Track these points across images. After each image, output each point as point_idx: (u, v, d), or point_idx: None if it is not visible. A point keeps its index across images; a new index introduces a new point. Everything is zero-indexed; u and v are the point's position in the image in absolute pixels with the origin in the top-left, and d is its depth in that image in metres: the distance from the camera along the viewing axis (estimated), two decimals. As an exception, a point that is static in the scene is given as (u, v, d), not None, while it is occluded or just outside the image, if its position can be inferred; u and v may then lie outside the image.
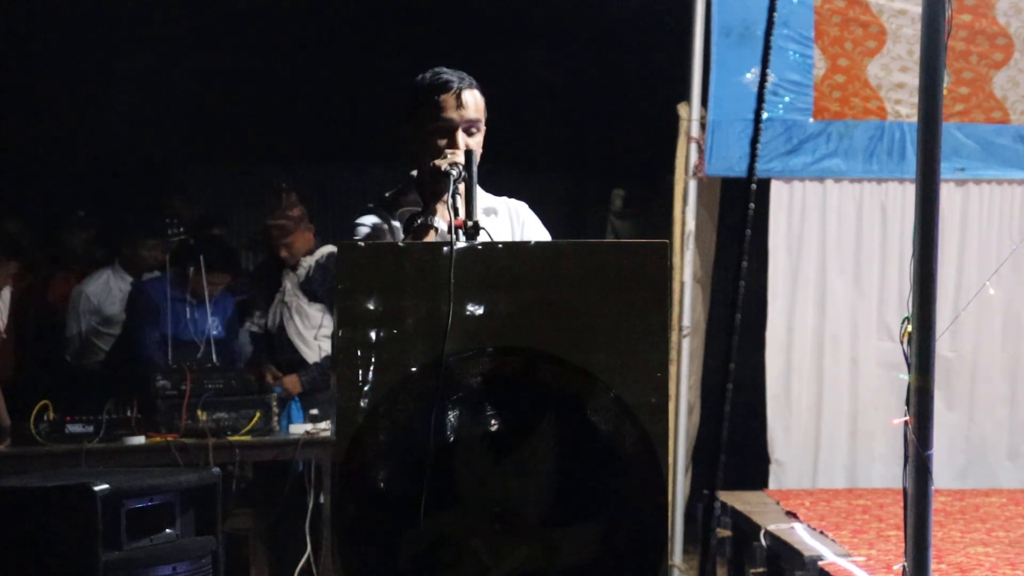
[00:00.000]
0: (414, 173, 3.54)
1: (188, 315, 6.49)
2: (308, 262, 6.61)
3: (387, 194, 3.57)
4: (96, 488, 4.38)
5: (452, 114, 3.40)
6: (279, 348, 6.69)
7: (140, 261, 7.06)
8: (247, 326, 6.93)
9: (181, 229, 7.14)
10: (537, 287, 2.96)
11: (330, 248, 6.55)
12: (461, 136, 3.40)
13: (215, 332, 6.52)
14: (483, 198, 3.44)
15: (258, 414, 5.93)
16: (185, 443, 5.78)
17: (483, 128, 3.47)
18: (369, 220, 3.46)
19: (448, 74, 3.43)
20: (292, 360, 6.58)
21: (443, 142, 3.38)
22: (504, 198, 3.57)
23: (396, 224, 3.45)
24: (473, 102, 3.43)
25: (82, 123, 9.11)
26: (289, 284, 6.64)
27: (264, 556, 6.40)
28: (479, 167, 3.31)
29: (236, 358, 6.59)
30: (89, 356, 6.98)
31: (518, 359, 2.94)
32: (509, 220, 3.51)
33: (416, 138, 3.45)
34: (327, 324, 6.52)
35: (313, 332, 6.60)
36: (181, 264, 6.58)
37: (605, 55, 9.09)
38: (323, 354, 6.55)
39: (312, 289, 6.57)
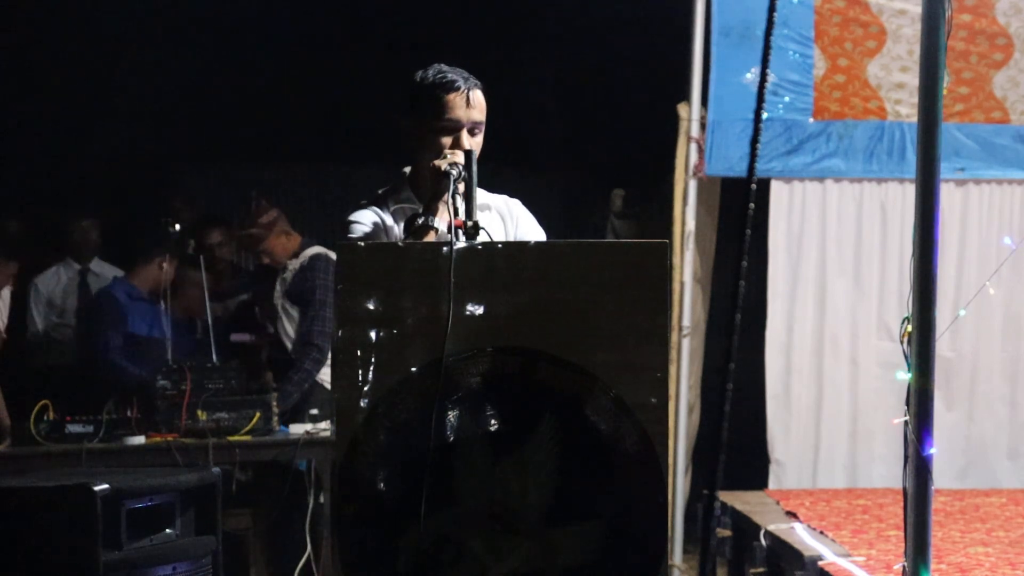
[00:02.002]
0: (407, 170, 3.54)
1: (151, 314, 6.52)
2: (294, 265, 6.61)
3: (380, 191, 3.57)
4: (96, 488, 4.38)
5: (460, 113, 3.40)
6: (274, 348, 6.71)
7: (84, 244, 7.08)
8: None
9: (179, 228, 7.14)
10: (537, 287, 2.96)
11: (314, 250, 6.55)
12: (465, 136, 3.40)
13: (168, 330, 6.54)
14: (477, 195, 3.44)
15: (258, 414, 5.93)
16: (185, 443, 5.78)
17: (483, 128, 3.47)
18: (367, 218, 3.46)
19: (453, 73, 3.43)
20: (285, 360, 6.59)
21: (447, 141, 3.38)
22: (498, 195, 3.58)
23: (390, 222, 3.45)
24: (479, 103, 3.44)
25: (82, 123, 9.10)
26: (279, 287, 6.65)
27: (264, 556, 6.40)
28: (478, 167, 3.31)
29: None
30: (51, 355, 6.97)
31: (518, 359, 2.94)
32: (501, 217, 3.52)
33: (417, 135, 3.45)
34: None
35: None
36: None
37: (605, 55, 9.08)
38: None
39: (291, 291, 6.57)
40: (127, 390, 6.04)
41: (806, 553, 5.12)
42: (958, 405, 7.02)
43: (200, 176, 10.07)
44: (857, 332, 7.02)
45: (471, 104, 3.41)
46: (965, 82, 6.94)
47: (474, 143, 3.41)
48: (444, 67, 3.45)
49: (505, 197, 3.58)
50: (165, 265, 6.58)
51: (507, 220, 3.52)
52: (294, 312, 6.55)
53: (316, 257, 6.48)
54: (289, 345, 6.58)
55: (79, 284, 7.11)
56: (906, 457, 3.40)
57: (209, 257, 6.96)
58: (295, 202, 9.45)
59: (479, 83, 3.46)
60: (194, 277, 6.58)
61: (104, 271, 7.24)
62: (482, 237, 3.16)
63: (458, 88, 3.40)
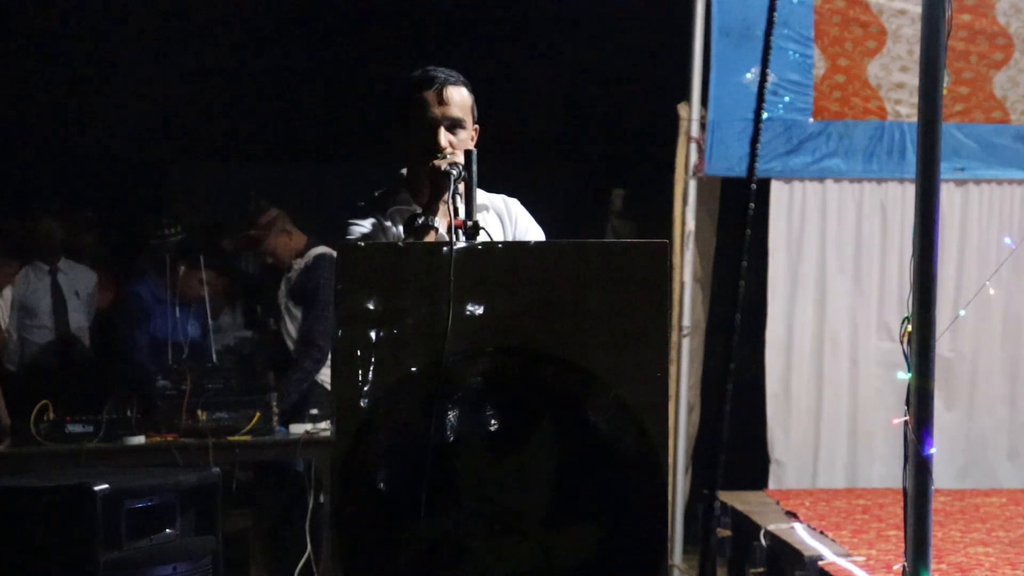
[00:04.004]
0: (404, 172, 3.52)
1: (174, 316, 6.51)
2: (299, 264, 6.60)
3: (376, 193, 3.55)
4: (96, 488, 4.38)
5: (434, 111, 3.35)
6: (277, 348, 6.71)
7: (50, 245, 7.08)
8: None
9: (179, 228, 7.14)
10: (537, 287, 2.96)
11: (319, 250, 6.53)
12: (443, 134, 3.35)
13: (193, 334, 6.54)
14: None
15: (258, 414, 5.93)
16: (185, 443, 5.77)
17: (470, 127, 3.41)
18: (366, 220, 3.45)
19: (434, 71, 3.39)
20: (286, 360, 6.59)
21: (425, 139, 3.34)
22: (496, 195, 3.55)
23: (388, 223, 3.44)
24: (458, 99, 3.38)
25: (81, 123, 9.11)
26: (283, 286, 6.65)
27: (264, 556, 6.39)
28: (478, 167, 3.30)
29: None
30: (26, 357, 6.97)
31: (518, 359, 2.93)
32: (499, 216, 3.49)
33: (402, 136, 3.43)
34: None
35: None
36: (173, 263, 6.58)
37: (605, 55, 9.09)
38: None
39: (294, 290, 6.57)
40: (148, 391, 6.03)
41: (806, 553, 5.12)
42: (958, 405, 7.01)
43: (200, 176, 10.08)
44: (857, 332, 7.02)
45: (445, 100, 3.35)
46: (965, 82, 6.94)
47: (454, 140, 3.35)
48: (430, 67, 3.41)
49: (503, 196, 3.56)
50: (183, 271, 6.57)
51: (505, 220, 3.50)
52: (297, 312, 6.55)
53: (321, 257, 6.46)
54: (291, 345, 6.58)
55: (51, 284, 7.11)
56: (906, 457, 3.40)
57: (218, 259, 6.97)
58: (295, 202, 9.44)
59: (462, 80, 3.41)
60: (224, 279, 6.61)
61: (74, 271, 7.23)
62: (482, 237, 3.16)
63: (432, 84, 3.35)
